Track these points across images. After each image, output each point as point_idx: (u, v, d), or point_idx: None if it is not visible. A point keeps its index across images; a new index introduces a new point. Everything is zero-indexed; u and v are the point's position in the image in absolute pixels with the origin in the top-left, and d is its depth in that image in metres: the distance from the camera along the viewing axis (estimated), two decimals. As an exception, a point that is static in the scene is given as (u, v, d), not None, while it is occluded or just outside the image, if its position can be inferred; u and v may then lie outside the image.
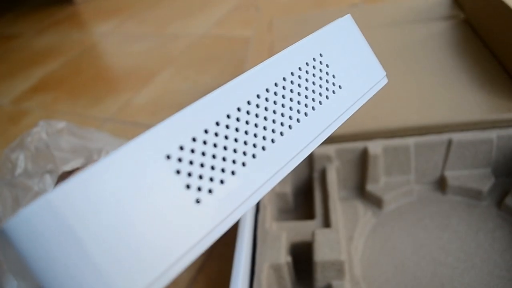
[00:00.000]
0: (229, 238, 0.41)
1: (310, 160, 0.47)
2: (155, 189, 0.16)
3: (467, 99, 0.46)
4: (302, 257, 0.41)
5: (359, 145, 0.46)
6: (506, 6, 0.46)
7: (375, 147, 0.45)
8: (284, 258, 0.38)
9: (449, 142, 0.44)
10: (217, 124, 0.19)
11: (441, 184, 0.47)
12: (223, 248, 0.45)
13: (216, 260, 0.47)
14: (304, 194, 0.50)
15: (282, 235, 0.40)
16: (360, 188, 0.48)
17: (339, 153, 0.46)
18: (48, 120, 0.58)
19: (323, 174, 0.47)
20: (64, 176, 0.28)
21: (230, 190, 0.18)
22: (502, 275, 0.38)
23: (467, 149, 0.44)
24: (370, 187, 0.47)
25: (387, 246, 0.42)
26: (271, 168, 0.20)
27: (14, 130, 0.84)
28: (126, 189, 0.15)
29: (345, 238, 0.42)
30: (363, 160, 0.46)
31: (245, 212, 0.19)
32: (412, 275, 0.39)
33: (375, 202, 0.46)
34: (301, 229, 0.42)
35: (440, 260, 0.40)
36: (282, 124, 0.21)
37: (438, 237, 0.42)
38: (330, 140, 0.46)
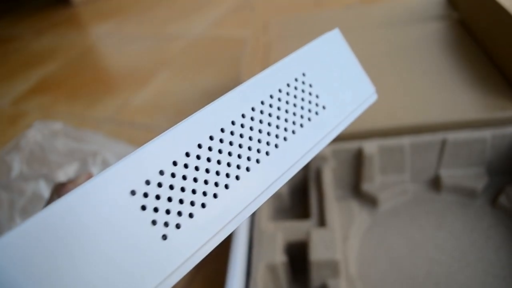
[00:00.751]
0: (225, 239, 0.42)
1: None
2: (119, 227, 0.15)
3: (461, 98, 0.46)
4: (297, 256, 0.41)
5: (354, 144, 0.46)
6: (500, 6, 0.47)
7: (370, 146, 0.45)
8: (280, 258, 0.39)
9: (444, 142, 0.45)
10: (187, 155, 0.18)
11: (436, 183, 0.47)
12: (219, 249, 0.45)
13: (213, 260, 0.47)
14: (300, 193, 0.50)
15: (278, 235, 0.40)
16: (356, 187, 0.48)
17: (334, 153, 0.47)
18: (43, 121, 0.59)
19: (319, 174, 0.47)
20: (58, 188, 0.28)
21: (199, 223, 0.17)
22: (496, 274, 0.38)
23: (462, 148, 0.45)
24: (366, 186, 0.47)
25: (382, 245, 0.43)
26: (243, 199, 0.19)
27: (13, 131, 0.84)
28: (87, 229, 0.15)
29: (341, 237, 0.42)
30: (358, 160, 0.46)
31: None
32: (407, 274, 0.40)
33: (371, 201, 0.46)
34: (297, 229, 0.42)
35: (435, 259, 0.40)
36: (258, 151, 0.20)
37: (433, 236, 0.42)
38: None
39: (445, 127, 0.45)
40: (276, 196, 0.48)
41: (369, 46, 0.59)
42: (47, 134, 0.59)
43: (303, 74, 0.23)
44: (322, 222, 0.42)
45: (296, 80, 0.22)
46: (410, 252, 0.41)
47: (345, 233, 0.43)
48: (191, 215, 0.17)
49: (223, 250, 0.45)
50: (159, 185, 0.17)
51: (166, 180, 0.17)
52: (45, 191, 0.50)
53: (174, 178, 0.17)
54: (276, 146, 0.20)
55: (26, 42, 1.30)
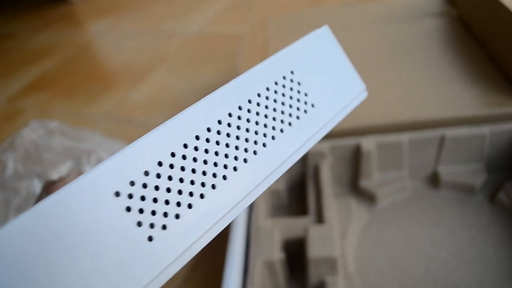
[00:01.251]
0: (222, 236, 0.41)
1: (303, 156, 0.47)
2: (104, 229, 0.15)
3: (460, 95, 0.46)
4: (295, 253, 0.41)
5: (352, 141, 0.46)
6: (499, 3, 0.46)
7: (368, 143, 0.45)
8: (277, 255, 0.38)
9: (442, 138, 0.44)
10: (173, 155, 0.17)
11: (434, 180, 0.47)
12: (217, 246, 0.45)
13: (210, 257, 0.47)
14: (297, 190, 0.50)
15: (275, 232, 0.40)
16: (354, 184, 0.48)
17: (332, 149, 0.46)
18: (39, 120, 0.58)
19: (316, 170, 0.47)
20: (48, 186, 0.28)
21: (186, 224, 0.17)
22: (495, 270, 0.38)
23: (460, 144, 0.44)
24: (364, 183, 0.47)
25: (380, 242, 0.42)
26: (231, 199, 0.19)
27: (9, 129, 0.84)
28: (72, 230, 0.14)
29: (339, 234, 0.42)
30: (356, 156, 0.46)
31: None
32: (405, 271, 0.39)
33: (369, 198, 0.46)
34: (294, 226, 0.42)
35: (434, 256, 0.40)
36: (246, 150, 0.19)
37: (432, 233, 0.42)
38: (323, 136, 0.46)
39: (443, 123, 0.45)
40: (274, 192, 0.48)
41: (367, 43, 0.59)
42: (43, 133, 0.58)
43: (291, 72, 0.22)
44: (320, 219, 0.42)
45: (284, 78, 0.22)
46: (409, 249, 0.41)
47: (343, 230, 0.43)
48: (177, 216, 0.17)
49: (220, 247, 0.44)
50: (144, 186, 0.16)
51: (151, 181, 0.17)
52: (39, 190, 0.49)
53: (160, 179, 0.17)
54: (264, 145, 0.20)
55: (23, 39, 1.29)
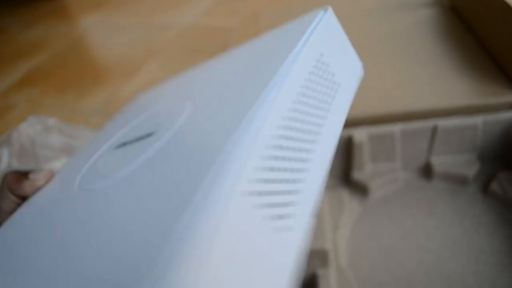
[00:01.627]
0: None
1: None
2: (246, 237, 0.15)
3: (452, 84, 0.46)
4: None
5: (344, 132, 0.45)
6: (491, -11, 0.46)
7: (360, 134, 0.44)
8: (268, 248, 0.38)
9: (435, 128, 0.44)
10: (261, 158, 0.17)
11: (427, 171, 0.46)
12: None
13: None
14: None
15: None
16: (346, 176, 0.48)
17: (324, 141, 0.46)
18: (38, 116, 0.58)
19: (309, 163, 0.46)
20: (12, 181, 0.27)
21: (300, 209, 0.18)
22: (488, 261, 0.38)
23: (453, 135, 0.44)
24: (356, 174, 0.46)
25: (373, 234, 0.42)
26: (321, 171, 0.20)
27: (1, 124, 0.83)
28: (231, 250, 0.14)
29: (331, 226, 0.42)
30: (348, 148, 0.46)
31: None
32: (398, 262, 0.39)
33: (361, 190, 0.46)
34: (286, 219, 0.41)
35: (427, 247, 0.40)
36: (307, 141, 0.20)
37: (424, 224, 0.42)
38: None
39: (436, 113, 0.44)
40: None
41: (359, 34, 0.58)
42: (40, 129, 0.58)
43: (321, 54, 0.23)
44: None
45: (318, 61, 0.22)
46: (401, 240, 0.41)
47: (335, 222, 0.43)
48: (289, 204, 0.17)
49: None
50: (258, 181, 0.16)
51: (260, 174, 0.16)
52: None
53: (267, 172, 0.17)
54: (316, 133, 0.21)
55: (14, 34, 1.28)
